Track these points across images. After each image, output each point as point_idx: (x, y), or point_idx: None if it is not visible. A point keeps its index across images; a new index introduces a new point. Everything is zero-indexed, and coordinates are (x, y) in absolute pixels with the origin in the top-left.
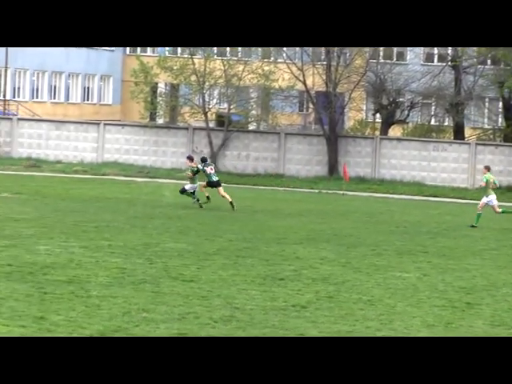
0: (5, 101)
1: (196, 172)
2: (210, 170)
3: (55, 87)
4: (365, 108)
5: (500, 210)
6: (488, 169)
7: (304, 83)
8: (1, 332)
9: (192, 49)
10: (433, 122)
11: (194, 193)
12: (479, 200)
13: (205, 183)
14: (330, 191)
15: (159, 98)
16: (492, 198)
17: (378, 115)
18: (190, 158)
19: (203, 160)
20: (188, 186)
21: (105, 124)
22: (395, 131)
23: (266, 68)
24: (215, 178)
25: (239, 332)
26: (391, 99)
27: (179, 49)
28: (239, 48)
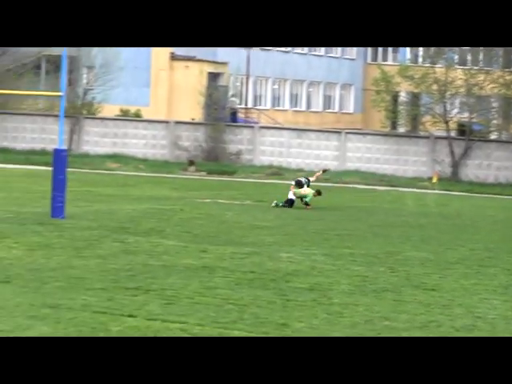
0: (246, 109)
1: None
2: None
3: (296, 95)
4: None
5: None
6: None
7: None
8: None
9: (433, 58)
10: None
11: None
12: None
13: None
14: None
15: (400, 107)
16: None
17: None
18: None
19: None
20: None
21: (346, 133)
22: None
23: (508, 77)
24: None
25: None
26: None
27: (420, 58)
28: (480, 57)
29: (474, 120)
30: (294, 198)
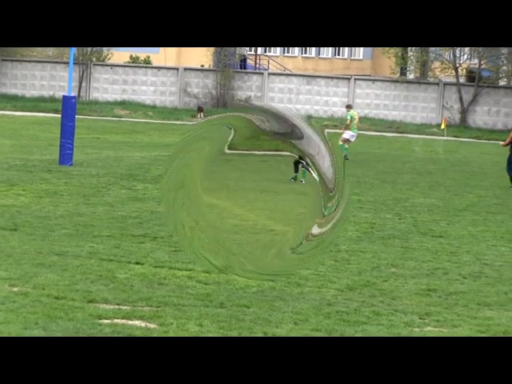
0: (256, 55)
1: None
2: None
3: None
4: None
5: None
6: (350, 107)
7: None
8: (249, 286)
9: None
10: None
11: None
12: None
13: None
14: None
15: (410, 53)
16: (353, 134)
17: None
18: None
19: None
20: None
21: (355, 79)
22: None
23: None
24: None
25: (488, 288)
26: None
27: None
28: None
29: (483, 66)
30: None
